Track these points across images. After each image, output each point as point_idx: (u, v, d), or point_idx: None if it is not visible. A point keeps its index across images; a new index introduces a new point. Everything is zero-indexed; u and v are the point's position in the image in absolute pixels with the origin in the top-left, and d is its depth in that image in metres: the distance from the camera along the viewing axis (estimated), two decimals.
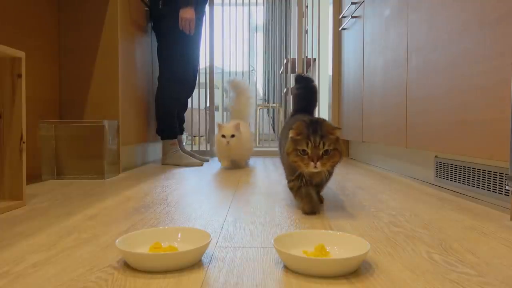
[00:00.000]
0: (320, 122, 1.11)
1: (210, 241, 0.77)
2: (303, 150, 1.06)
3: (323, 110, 4.26)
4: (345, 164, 2.82)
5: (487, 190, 1.30)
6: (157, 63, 2.77)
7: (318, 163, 1.05)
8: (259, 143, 4.25)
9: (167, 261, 0.71)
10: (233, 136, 2.33)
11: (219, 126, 2.39)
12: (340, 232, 0.83)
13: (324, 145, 1.06)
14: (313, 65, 4.17)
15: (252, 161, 3.06)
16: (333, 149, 1.07)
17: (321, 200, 1.32)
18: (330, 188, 1.66)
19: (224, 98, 4.31)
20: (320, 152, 1.05)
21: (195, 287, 0.64)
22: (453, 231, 0.99)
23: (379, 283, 0.66)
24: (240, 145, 2.39)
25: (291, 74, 4.92)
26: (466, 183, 1.43)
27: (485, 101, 1.31)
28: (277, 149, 3.69)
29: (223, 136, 2.33)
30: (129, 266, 0.72)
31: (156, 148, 3.05)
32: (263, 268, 0.73)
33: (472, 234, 0.97)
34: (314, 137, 1.06)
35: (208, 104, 3.61)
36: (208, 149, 3.52)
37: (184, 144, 3.17)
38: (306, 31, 3.80)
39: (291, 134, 1.09)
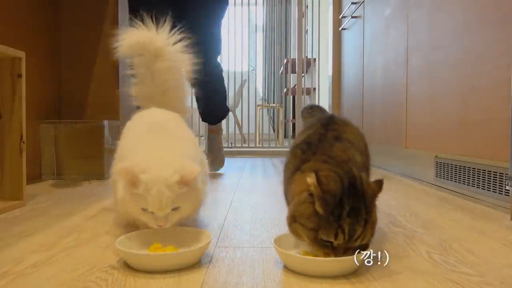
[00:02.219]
0: (359, 178, 0.67)
1: (210, 241, 0.76)
2: (329, 241, 0.65)
3: None
4: None
5: (487, 190, 1.30)
6: None
7: (343, 257, 0.66)
8: (259, 143, 4.25)
9: (167, 261, 0.71)
10: (176, 208, 0.79)
11: (127, 171, 0.77)
12: None
13: (363, 237, 0.65)
14: (313, 65, 4.17)
15: (252, 161, 3.05)
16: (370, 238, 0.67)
17: None
18: None
19: None
20: (354, 245, 0.66)
21: (195, 287, 0.64)
22: (453, 231, 0.99)
23: (379, 283, 0.66)
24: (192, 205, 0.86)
25: (291, 74, 4.93)
26: (466, 183, 1.43)
27: (485, 101, 1.31)
28: (277, 149, 3.70)
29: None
30: (129, 266, 0.72)
31: None
32: (263, 268, 0.73)
33: (472, 234, 0.97)
34: (351, 225, 0.63)
35: None
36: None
37: None
38: (306, 31, 3.80)
39: (317, 204, 0.64)
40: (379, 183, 0.70)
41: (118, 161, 0.94)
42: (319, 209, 0.64)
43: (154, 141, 0.89)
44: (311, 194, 0.66)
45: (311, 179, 0.66)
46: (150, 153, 0.83)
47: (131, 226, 0.91)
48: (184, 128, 1.06)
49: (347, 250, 0.66)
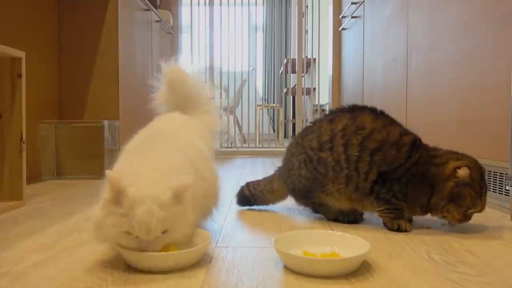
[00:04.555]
0: None
1: (210, 241, 0.76)
2: (470, 212, 0.96)
3: None
4: None
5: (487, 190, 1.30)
6: (157, 62, 2.75)
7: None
8: (259, 143, 4.24)
9: (167, 261, 0.71)
10: (165, 231, 0.69)
11: (113, 184, 0.66)
12: (340, 232, 0.83)
13: None
14: (313, 65, 4.17)
15: (252, 161, 3.05)
16: None
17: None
18: None
19: (224, 99, 4.29)
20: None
21: (195, 287, 0.64)
22: (453, 231, 0.99)
23: (379, 283, 0.66)
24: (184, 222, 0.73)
25: (291, 74, 4.93)
26: None
27: (485, 101, 1.31)
28: (277, 149, 3.69)
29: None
30: (129, 266, 0.72)
31: None
32: (263, 268, 0.73)
33: (472, 234, 0.97)
34: (485, 197, 0.97)
35: None
36: None
37: None
38: (306, 31, 3.80)
39: (464, 172, 0.94)
40: None
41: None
42: (471, 191, 0.94)
43: (151, 151, 0.79)
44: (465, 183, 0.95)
45: (463, 172, 0.94)
46: (142, 164, 0.72)
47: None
48: (194, 137, 0.93)
49: None
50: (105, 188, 0.68)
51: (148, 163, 0.74)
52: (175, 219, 0.68)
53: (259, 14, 6.35)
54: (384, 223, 1.01)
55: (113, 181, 0.65)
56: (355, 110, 1.08)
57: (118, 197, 0.66)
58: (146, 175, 0.69)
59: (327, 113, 1.13)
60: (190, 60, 3.74)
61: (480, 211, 0.97)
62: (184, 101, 1.09)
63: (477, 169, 0.97)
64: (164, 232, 0.68)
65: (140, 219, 0.64)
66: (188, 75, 1.11)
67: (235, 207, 1.28)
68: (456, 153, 1.02)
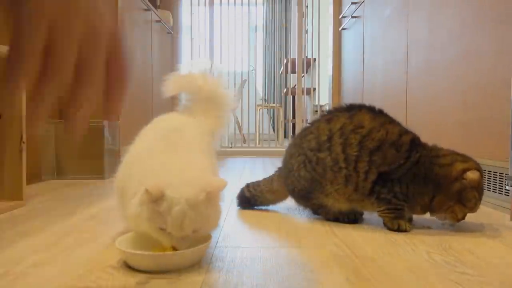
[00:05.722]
0: None
1: (210, 241, 0.76)
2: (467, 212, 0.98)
3: None
4: None
5: (487, 190, 1.30)
6: (157, 62, 2.75)
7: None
8: (259, 143, 4.24)
9: (167, 261, 0.71)
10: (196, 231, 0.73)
11: (152, 189, 0.69)
12: None
13: None
14: (313, 65, 4.17)
15: (252, 161, 3.05)
16: None
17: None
18: None
19: None
20: None
21: (195, 287, 0.64)
22: (453, 231, 0.99)
23: (379, 283, 0.66)
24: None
25: (291, 74, 4.93)
26: None
27: (485, 101, 1.31)
28: (277, 149, 3.68)
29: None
30: (129, 266, 0.72)
31: None
32: (263, 268, 0.73)
33: (472, 234, 0.97)
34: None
35: None
36: None
37: None
38: (306, 31, 3.80)
39: (474, 175, 0.95)
40: None
41: (125, 167, 0.90)
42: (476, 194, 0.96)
43: (172, 152, 0.82)
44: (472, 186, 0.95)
45: (474, 175, 0.95)
46: (170, 166, 0.77)
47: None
48: (203, 138, 0.95)
49: None
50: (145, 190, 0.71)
51: (181, 164, 0.79)
52: (206, 219, 0.73)
53: (259, 14, 6.35)
54: (384, 223, 1.01)
55: (154, 187, 0.70)
56: (352, 109, 1.08)
57: (157, 197, 0.70)
58: (182, 177, 0.74)
59: (325, 113, 1.13)
60: (190, 60, 3.74)
61: (475, 211, 0.99)
62: (203, 107, 1.06)
63: (481, 173, 0.98)
64: (195, 231, 0.72)
65: (174, 217, 0.69)
66: (222, 87, 1.09)
67: (235, 207, 1.28)
68: (458, 153, 1.02)
